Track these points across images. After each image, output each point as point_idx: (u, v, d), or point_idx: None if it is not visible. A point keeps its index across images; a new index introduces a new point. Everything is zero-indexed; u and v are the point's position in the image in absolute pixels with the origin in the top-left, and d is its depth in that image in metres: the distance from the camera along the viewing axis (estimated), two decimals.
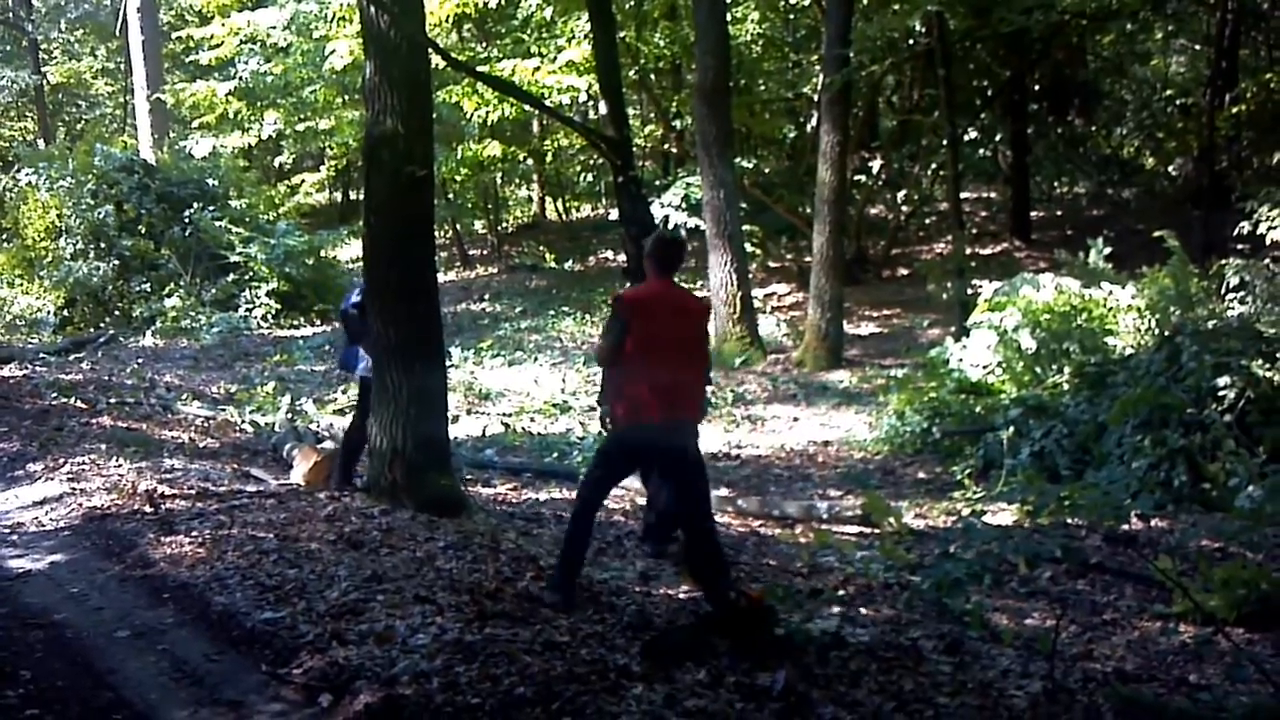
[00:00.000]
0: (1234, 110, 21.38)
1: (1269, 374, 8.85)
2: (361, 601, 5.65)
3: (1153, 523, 8.01)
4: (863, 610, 6.47)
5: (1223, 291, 11.33)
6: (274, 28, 23.11)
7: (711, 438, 12.56)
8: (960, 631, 5.96)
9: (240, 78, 23.71)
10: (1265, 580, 6.19)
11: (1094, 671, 5.45)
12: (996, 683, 5.22)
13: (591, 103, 24.46)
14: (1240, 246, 12.72)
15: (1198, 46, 25.26)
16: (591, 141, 8.76)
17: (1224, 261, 11.65)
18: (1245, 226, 12.41)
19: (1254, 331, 9.63)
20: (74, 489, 8.54)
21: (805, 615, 6.01)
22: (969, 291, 15.16)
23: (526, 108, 21.03)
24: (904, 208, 23.14)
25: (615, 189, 7.60)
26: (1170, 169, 24.92)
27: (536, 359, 16.77)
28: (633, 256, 6.96)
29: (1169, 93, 25.47)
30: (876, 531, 8.37)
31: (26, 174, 22.95)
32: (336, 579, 6.00)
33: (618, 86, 7.34)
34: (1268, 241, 12.15)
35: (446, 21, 21.40)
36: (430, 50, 8.22)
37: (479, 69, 19.17)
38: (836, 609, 6.40)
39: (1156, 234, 12.00)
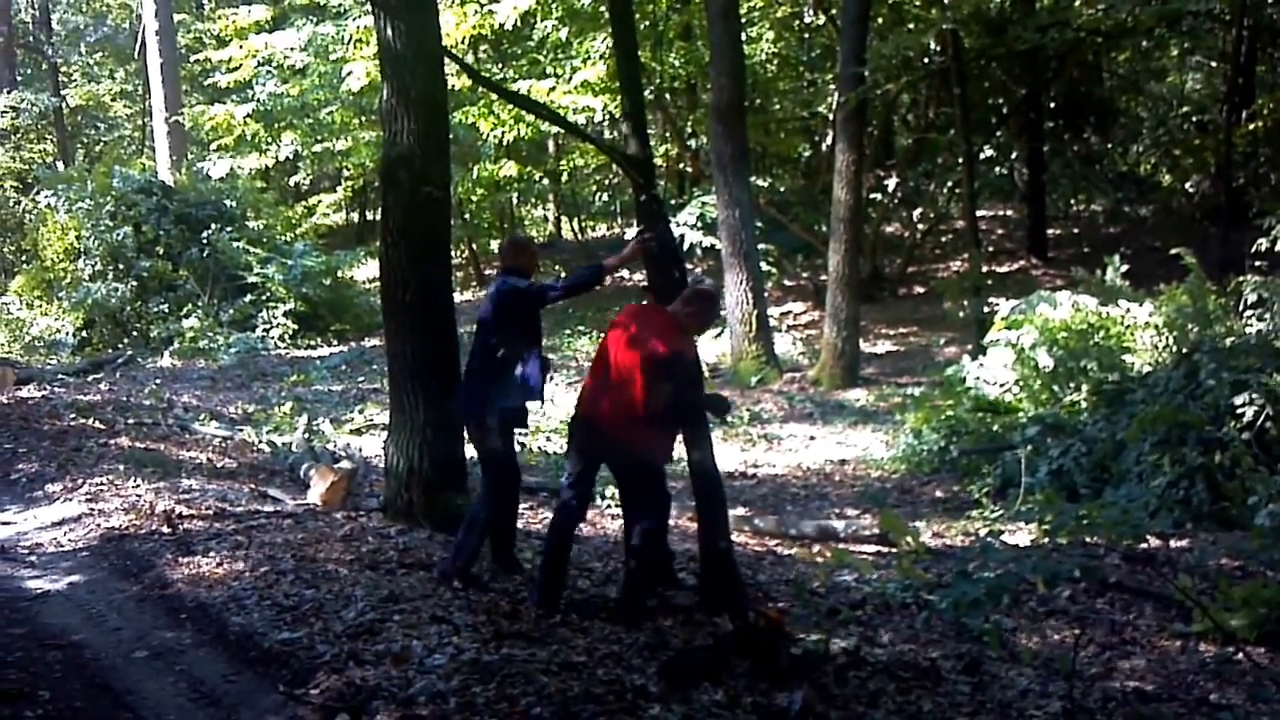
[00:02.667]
0: (1251, 127, 21.33)
1: None
2: (378, 621, 5.66)
3: (1172, 541, 7.97)
4: (880, 630, 6.44)
5: (1240, 309, 11.28)
6: (292, 50, 23.27)
7: (728, 457, 12.55)
8: (979, 651, 5.93)
9: (258, 100, 23.85)
10: None
11: (1114, 691, 5.42)
12: (1015, 703, 5.20)
13: (607, 122, 24.52)
14: (1258, 263, 12.66)
15: (1214, 63, 25.23)
16: (614, 159, 8.71)
17: (1242, 279, 11.59)
18: (1263, 243, 12.35)
19: (1272, 349, 9.58)
20: (92, 509, 8.58)
21: (823, 634, 5.99)
22: (985, 309, 15.13)
23: (544, 127, 21.11)
24: (920, 226, 23.14)
25: (636, 208, 7.54)
26: (1187, 186, 24.87)
27: (552, 378, 16.74)
28: (654, 276, 6.93)
29: (1185, 110, 25.45)
30: (894, 550, 8.34)
31: (46, 196, 23.11)
32: (353, 599, 6.01)
33: (640, 104, 7.29)
34: None
35: (463, 43, 21.49)
36: (455, 69, 8.22)
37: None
38: (854, 628, 6.38)
39: (1173, 251, 11.96)
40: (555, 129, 21.97)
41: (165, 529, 7.78)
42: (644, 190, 6.96)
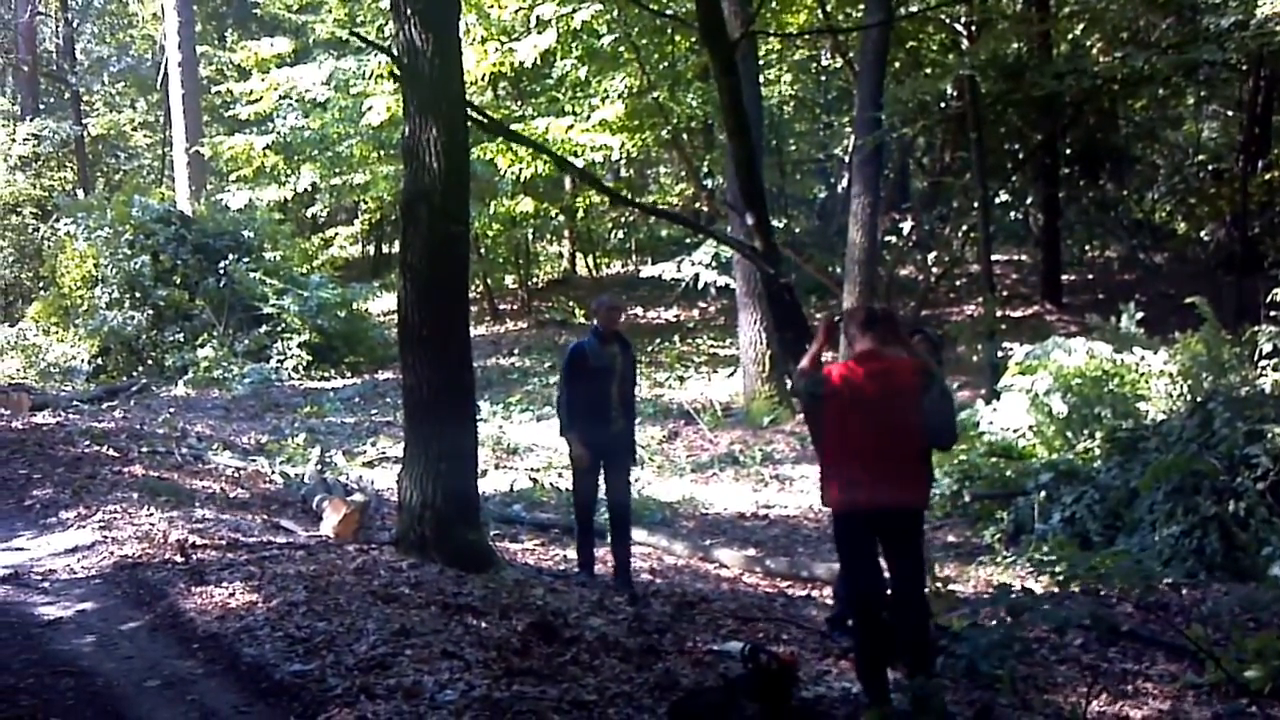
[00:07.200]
0: (1267, 176, 21.35)
1: None
2: (390, 656, 5.65)
3: (1184, 591, 7.94)
4: (893, 674, 6.41)
5: (1255, 358, 11.26)
6: (313, 84, 23.45)
7: (740, 496, 12.55)
8: (991, 698, 5.91)
9: (278, 132, 24.02)
10: None
11: None
12: None
13: (623, 161, 24.61)
14: (1273, 313, 12.64)
15: (1230, 112, 25.27)
16: (743, 253, 8.87)
17: (1257, 328, 11.58)
18: (1278, 293, 12.34)
19: None
20: (105, 537, 8.59)
21: (835, 677, 5.98)
22: (999, 354, 15.11)
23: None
24: (934, 269, 23.11)
25: (767, 296, 7.67)
26: (1202, 234, 24.85)
27: None
28: (783, 359, 7.04)
29: (1201, 158, 25.46)
30: None
31: (65, 223, 23.26)
32: (365, 632, 6.01)
33: (760, 195, 7.36)
34: None
35: (483, 80, 21.66)
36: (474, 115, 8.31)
37: (518, 130, 19.38)
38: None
39: (1188, 299, 11.95)
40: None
41: (178, 558, 7.79)
42: (774, 280, 7.11)
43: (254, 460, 12.88)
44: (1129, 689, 6.34)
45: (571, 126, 20.21)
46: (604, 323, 8.41)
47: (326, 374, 20.84)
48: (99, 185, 32.99)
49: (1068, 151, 23.57)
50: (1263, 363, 11.16)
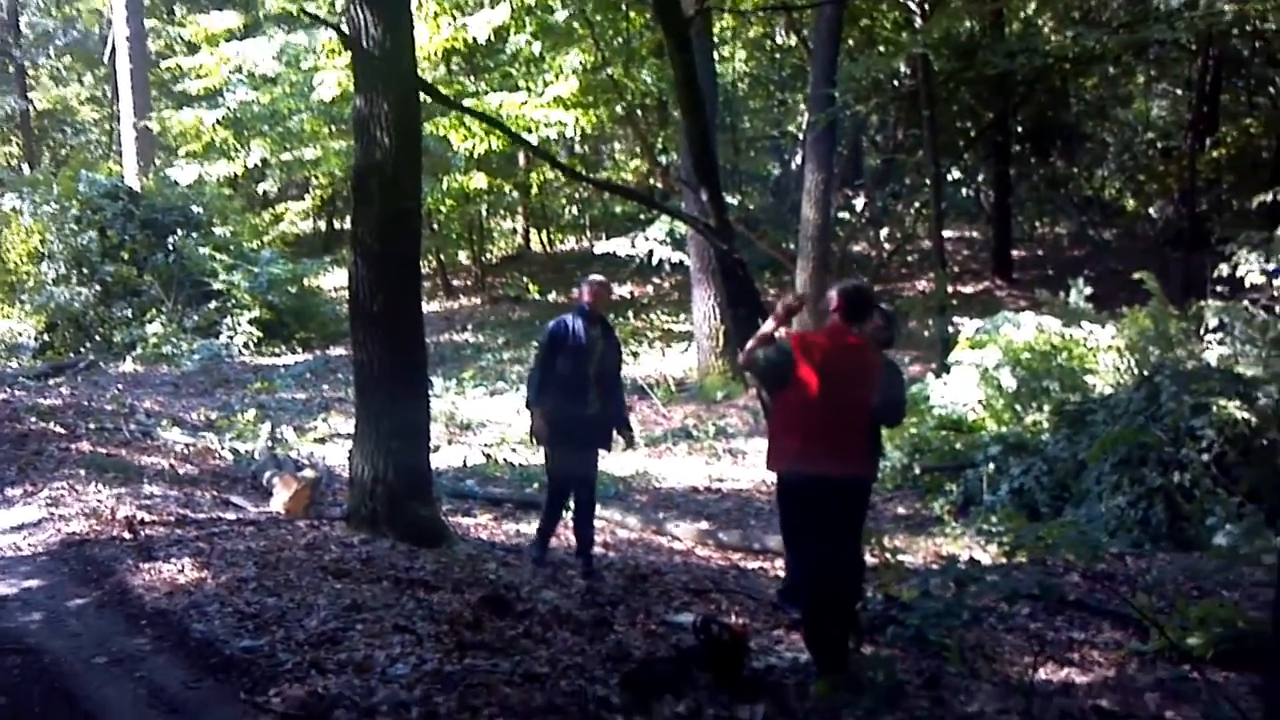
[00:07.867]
0: (1214, 154, 21.60)
1: (1246, 415, 8.91)
2: (340, 630, 5.63)
3: (1130, 560, 8.05)
4: None
5: (1202, 332, 11.41)
6: (264, 58, 23.20)
7: (693, 470, 12.59)
8: (939, 666, 5.96)
9: (228, 107, 23.75)
10: (1242, 619, 6.21)
11: (1071, 708, 5.46)
12: (974, 718, 5.23)
13: (578, 137, 24.54)
14: (1219, 288, 12.80)
15: (1179, 91, 25.53)
16: (696, 228, 8.91)
17: (1203, 303, 11.73)
18: (1224, 269, 12.49)
19: (1232, 373, 9.71)
20: (52, 514, 8.50)
21: (786, 647, 6.02)
22: (950, 329, 15.23)
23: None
24: (887, 245, 23.26)
25: (720, 272, 7.78)
26: (1151, 211, 25.13)
27: (518, 389, 16.74)
28: (740, 336, 7.07)
29: (1150, 136, 25.73)
30: None
31: (10, 199, 22.92)
32: (316, 608, 5.98)
33: (714, 172, 7.41)
34: (1246, 284, 12.25)
35: (436, 55, 21.50)
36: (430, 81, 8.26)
37: (471, 105, 19.27)
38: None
39: (1136, 275, 12.08)
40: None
41: (126, 535, 7.72)
42: (726, 256, 7.16)
43: (203, 436, 12.79)
44: (1075, 656, 6.43)
45: (525, 102, 20.13)
46: (590, 300, 8.17)
47: (277, 350, 20.71)
48: (45, 160, 32.55)
49: (1019, 129, 23.75)
50: (1208, 337, 11.32)
